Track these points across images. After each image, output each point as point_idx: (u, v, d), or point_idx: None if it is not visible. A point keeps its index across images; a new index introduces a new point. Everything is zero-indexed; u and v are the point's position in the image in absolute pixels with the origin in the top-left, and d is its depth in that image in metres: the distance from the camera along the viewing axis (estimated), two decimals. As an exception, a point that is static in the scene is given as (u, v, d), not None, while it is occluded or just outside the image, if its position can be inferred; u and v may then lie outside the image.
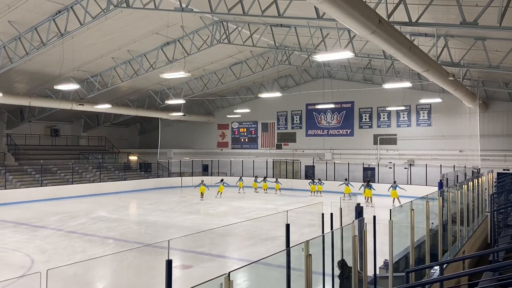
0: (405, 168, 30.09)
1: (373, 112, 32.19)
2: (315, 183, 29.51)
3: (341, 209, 8.28)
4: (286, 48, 23.84)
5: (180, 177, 36.30)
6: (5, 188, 26.03)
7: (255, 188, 31.69)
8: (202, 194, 27.18)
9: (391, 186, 24.92)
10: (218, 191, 28.28)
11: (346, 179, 28.76)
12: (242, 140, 38.88)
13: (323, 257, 6.10)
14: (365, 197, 24.59)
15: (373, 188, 25.13)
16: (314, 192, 29.17)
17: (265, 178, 32.12)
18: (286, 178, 33.69)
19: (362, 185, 26.13)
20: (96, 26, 18.47)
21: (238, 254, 13.74)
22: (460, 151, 28.06)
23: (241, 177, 32.42)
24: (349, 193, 25.71)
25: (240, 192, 30.80)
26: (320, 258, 6.06)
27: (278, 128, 36.83)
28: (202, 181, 28.58)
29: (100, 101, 28.36)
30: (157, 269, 10.81)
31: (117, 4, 15.86)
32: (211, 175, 37.65)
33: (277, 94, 27.42)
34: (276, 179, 31.56)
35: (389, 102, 30.09)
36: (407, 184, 29.00)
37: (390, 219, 7.55)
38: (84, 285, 10.30)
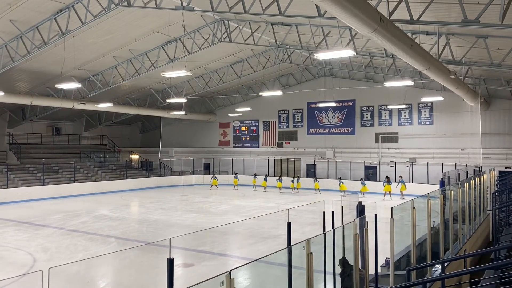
0: (407, 166, 30.07)
1: (374, 111, 32.14)
2: (294, 181, 30.79)
3: (342, 207, 8.30)
4: (287, 47, 23.82)
5: (182, 176, 36.34)
6: (7, 187, 26.11)
7: (280, 188, 30.92)
8: (215, 185, 32.74)
9: (400, 181, 26.96)
10: (234, 184, 32.23)
11: (339, 178, 30.36)
12: (244, 138, 38.87)
13: (325, 255, 6.11)
14: (385, 192, 26.63)
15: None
16: (293, 189, 30.59)
17: (280, 177, 31.92)
18: (288, 176, 33.65)
19: (384, 181, 27.77)
20: (97, 25, 18.47)
21: (239, 253, 13.76)
22: (461, 150, 28.00)
23: (255, 175, 32.81)
24: (344, 190, 28.17)
25: (254, 190, 31.59)
26: (322, 256, 6.06)
27: (280, 127, 36.80)
28: (214, 174, 33.99)
29: (102, 100, 28.37)
30: (159, 268, 10.83)
31: (118, 3, 15.86)
32: (213, 174, 37.64)
33: (278, 93, 27.40)
34: (293, 178, 31.37)
35: (390, 100, 30.08)
36: (409, 182, 29.03)
37: (392, 217, 7.55)
38: (86, 283, 10.33)
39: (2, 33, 18.16)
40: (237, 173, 33.83)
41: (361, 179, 29.40)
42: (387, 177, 27.78)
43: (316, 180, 30.21)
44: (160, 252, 12.49)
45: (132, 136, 44.40)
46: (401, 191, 26.22)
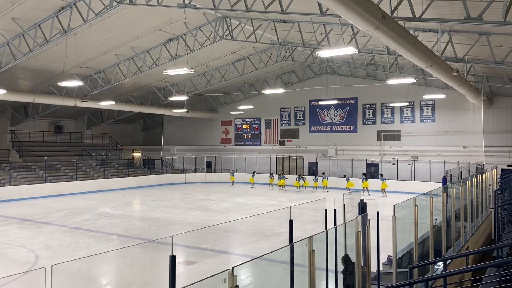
0: (409, 164, 30.03)
1: (376, 108, 32.09)
2: (278, 178, 31.19)
3: (344, 205, 8.30)
4: (289, 44, 23.76)
5: (184, 174, 36.39)
6: (10, 185, 26.19)
7: (299, 187, 30.39)
8: (232, 182, 33.47)
9: (381, 178, 27.62)
10: (252, 183, 32.33)
11: (323, 173, 30.92)
12: (245, 136, 38.87)
13: (327, 253, 6.11)
14: (363, 188, 27.50)
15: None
16: (281, 186, 30.77)
17: (301, 176, 31.58)
18: (290, 174, 33.63)
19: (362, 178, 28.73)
20: (99, 22, 18.48)
21: (241, 250, 13.77)
22: (464, 147, 27.96)
23: (281, 175, 32.07)
24: (326, 186, 29.41)
25: (270, 188, 31.27)
26: (324, 254, 6.06)
27: (281, 125, 36.79)
28: (233, 171, 34.46)
29: (104, 97, 28.42)
30: (161, 265, 10.85)
31: (120, 0, 15.85)
32: (215, 172, 37.71)
33: (280, 90, 27.37)
34: (315, 176, 31.07)
35: (392, 98, 30.01)
36: (411, 180, 29.04)
37: (394, 215, 7.55)
38: (89, 281, 10.36)
39: (4, 31, 18.18)
40: (254, 171, 33.88)
41: (345, 176, 29.67)
42: (363, 173, 28.91)
43: (300, 178, 30.50)
44: (162, 250, 12.52)
45: (134, 134, 44.45)
46: (382, 189, 26.71)
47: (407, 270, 7.71)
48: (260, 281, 6.43)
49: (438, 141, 29.36)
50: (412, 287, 7.08)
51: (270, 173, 32.89)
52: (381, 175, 28.47)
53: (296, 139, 35.97)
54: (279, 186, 30.95)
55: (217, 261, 12.20)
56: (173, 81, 30.50)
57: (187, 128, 41.28)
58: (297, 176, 31.06)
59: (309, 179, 30.84)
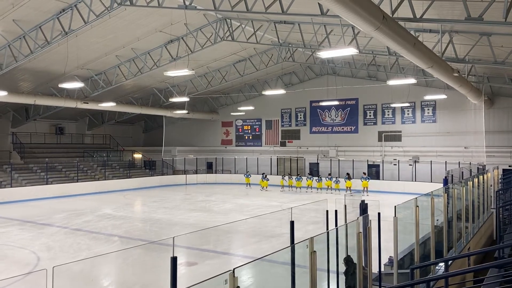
0: (410, 165, 30.00)
1: (377, 109, 32.07)
2: (265, 179, 31.31)
3: (345, 206, 8.30)
4: (290, 45, 23.76)
5: (185, 175, 36.39)
6: (11, 186, 26.21)
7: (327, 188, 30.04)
8: (248, 184, 32.68)
9: (362, 177, 28.56)
10: (262, 186, 31.16)
11: (311, 173, 31.58)
12: (246, 137, 38.87)
13: (328, 254, 6.10)
14: (347, 187, 28.30)
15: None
16: (264, 187, 30.94)
17: (310, 176, 31.75)
18: (290, 175, 33.60)
19: (345, 178, 29.31)
20: (100, 24, 18.50)
21: (242, 251, 13.77)
22: (465, 148, 27.92)
23: (264, 176, 31.90)
24: (310, 186, 30.17)
25: (281, 190, 30.82)
26: (325, 255, 6.05)
27: (282, 125, 36.77)
28: (248, 172, 33.84)
29: (105, 99, 28.44)
30: (162, 266, 10.84)
31: (120, 2, 15.86)
32: (216, 173, 37.72)
33: (281, 91, 27.38)
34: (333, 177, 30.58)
35: (393, 98, 30.00)
36: (412, 181, 29.02)
37: (395, 216, 7.54)
38: (90, 281, 10.37)
39: (5, 33, 18.21)
40: (264, 173, 33.32)
41: (329, 175, 30.24)
42: (347, 174, 29.52)
43: (300, 178, 30.78)
44: (163, 251, 12.52)
45: (135, 135, 44.48)
46: (363, 187, 27.60)
47: (408, 271, 7.71)
48: (262, 282, 6.43)
49: (439, 141, 29.33)
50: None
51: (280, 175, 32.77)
52: (364, 174, 28.86)
53: (297, 140, 35.95)
54: (262, 187, 30.85)
55: (218, 262, 12.20)
56: (173, 82, 30.52)
57: (188, 129, 41.31)
58: (297, 176, 31.22)
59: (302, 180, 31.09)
